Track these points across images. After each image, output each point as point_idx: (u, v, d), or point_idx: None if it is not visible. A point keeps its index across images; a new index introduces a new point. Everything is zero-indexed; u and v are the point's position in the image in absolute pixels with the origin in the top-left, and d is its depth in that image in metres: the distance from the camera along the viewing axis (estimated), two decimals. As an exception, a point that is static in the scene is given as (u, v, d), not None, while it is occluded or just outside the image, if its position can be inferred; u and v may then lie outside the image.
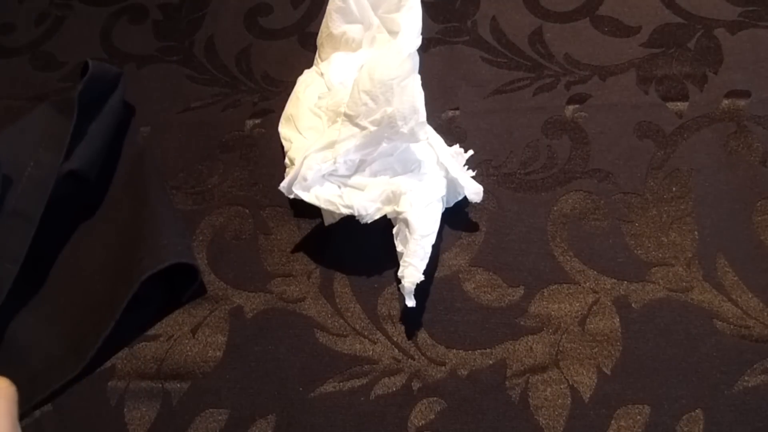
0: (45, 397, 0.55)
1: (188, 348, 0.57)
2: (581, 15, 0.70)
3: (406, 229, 0.53)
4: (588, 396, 0.50)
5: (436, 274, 0.57)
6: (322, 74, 0.65)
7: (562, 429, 0.49)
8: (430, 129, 0.58)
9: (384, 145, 0.54)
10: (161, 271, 0.55)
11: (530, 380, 0.51)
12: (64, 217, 0.63)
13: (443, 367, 0.53)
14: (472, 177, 0.58)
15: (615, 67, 0.65)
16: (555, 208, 0.58)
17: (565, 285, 0.55)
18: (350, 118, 0.54)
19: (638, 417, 0.48)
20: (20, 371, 0.55)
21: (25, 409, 0.54)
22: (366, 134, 0.53)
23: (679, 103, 0.62)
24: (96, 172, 0.65)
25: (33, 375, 0.56)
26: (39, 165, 0.61)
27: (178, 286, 0.59)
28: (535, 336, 0.53)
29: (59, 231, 0.63)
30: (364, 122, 0.53)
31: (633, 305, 0.53)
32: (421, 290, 0.53)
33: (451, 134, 0.64)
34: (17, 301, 0.59)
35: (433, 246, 0.54)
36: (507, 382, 0.51)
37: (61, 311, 0.59)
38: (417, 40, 0.61)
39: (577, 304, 0.54)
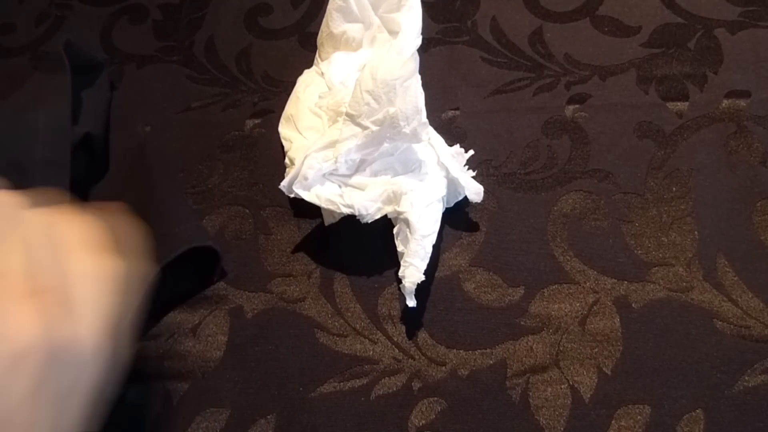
0: None
1: (189, 348, 0.57)
2: (581, 15, 0.70)
3: (407, 229, 0.53)
4: (588, 396, 0.50)
5: (436, 274, 0.57)
6: (322, 74, 0.65)
7: (562, 429, 0.49)
8: (430, 129, 0.58)
9: (385, 145, 0.54)
10: (178, 261, 0.55)
11: (530, 380, 0.51)
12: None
13: (443, 367, 0.53)
14: (473, 177, 0.58)
15: (615, 67, 0.65)
16: (555, 208, 0.58)
17: (565, 285, 0.55)
18: (352, 118, 0.54)
19: (638, 417, 0.48)
20: None
21: None
22: (368, 134, 0.53)
23: (679, 103, 0.62)
24: (102, 145, 0.65)
25: None
26: (48, 114, 0.60)
27: (202, 271, 0.59)
28: (535, 336, 0.53)
29: None
30: (366, 122, 0.53)
31: (633, 305, 0.53)
32: (421, 290, 0.53)
33: (451, 134, 0.64)
34: None
35: (434, 246, 0.54)
36: (507, 382, 0.51)
37: None
38: (417, 40, 0.61)
39: (578, 304, 0.54)
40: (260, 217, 0.63)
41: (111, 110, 0.70)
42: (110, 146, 0.67)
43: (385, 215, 0.55)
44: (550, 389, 0.51)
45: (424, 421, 0.51)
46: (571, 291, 0.54)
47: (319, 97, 0.61)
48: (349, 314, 0.56)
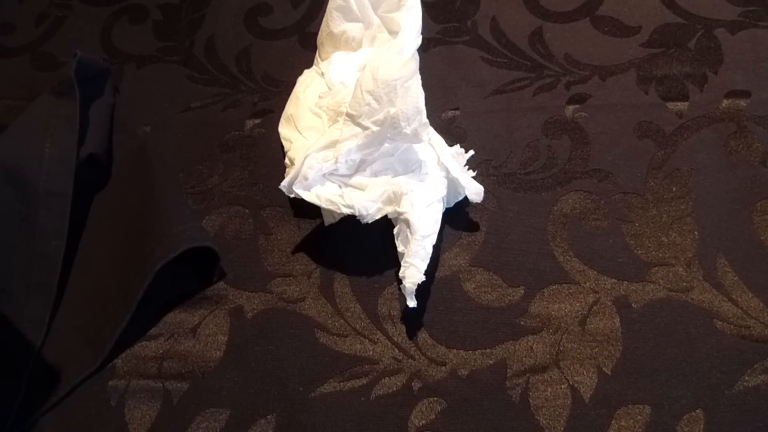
0: (65, 394, 0.55)
1: (189, 348, 0.57)
2: (581, 15, 0.70)
3: (408, 230, 0.53)
4: (588, 396, 0.50)
5: (436, 274, 0.57)
6: (322, 74, 0.65)
7: (562, 429, 0.49)
8: (431, 129, 0.58)
9: (386, 145, 0.54)
10: (177, 261, 0.55)
11: (530, 380, 0.51)
12: (78, 211, 0.63)
13: (443, 367, 0.53)
14: (473, 177, 0.58)
15: (615, 67, 0.65)
16: (555, 208, 0.58)
17: (565, 285, 0.55)
18: (352, 118, 0.54)
19: (639, 417, 0.48)
20: (37, 368, 0.56)
21: (46, 407, 0.54)
22: (368, 134, 0.53)
23: (679, 103, 0.62)
24: (105, 159, 0.67)
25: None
26: (55, 144, 0.63)
27: (201, 271, 0.59)
28: (535, 336, 0.53)
29: (71, 225, 0.63)
30: (366, 122, 0.53)
31: (633, 305, 0.53)
32: (421, 290, 0.53)
33: (451, 134, 0.64)
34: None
35: (434, 246, 0.54)
36: (507, 382, 0.51)
37: (75, 306, 0.59)
38: (417, 40, 0.61)
39: (578, 304, 0.54)
40: (260, 217, 0.63)
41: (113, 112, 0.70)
42: (113, 149, 0.68)
43: (386, 215, 0.55)
44: (550, 389, 0.51)
45: (424, 421, 0.51)
46: (571, 291, 0.54)
47: (319, 97, 0.61)
48: (349, 314, 0.56)
